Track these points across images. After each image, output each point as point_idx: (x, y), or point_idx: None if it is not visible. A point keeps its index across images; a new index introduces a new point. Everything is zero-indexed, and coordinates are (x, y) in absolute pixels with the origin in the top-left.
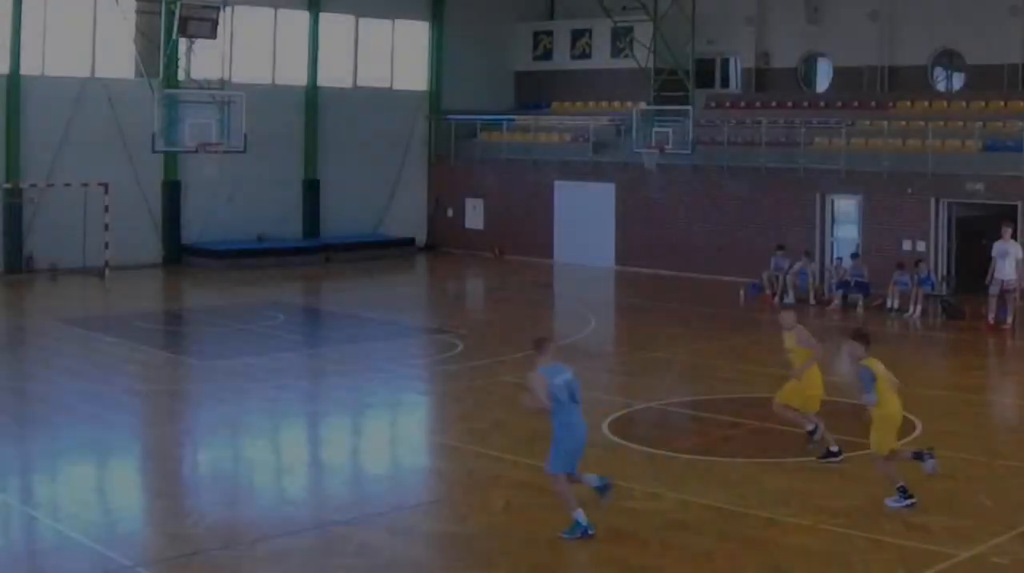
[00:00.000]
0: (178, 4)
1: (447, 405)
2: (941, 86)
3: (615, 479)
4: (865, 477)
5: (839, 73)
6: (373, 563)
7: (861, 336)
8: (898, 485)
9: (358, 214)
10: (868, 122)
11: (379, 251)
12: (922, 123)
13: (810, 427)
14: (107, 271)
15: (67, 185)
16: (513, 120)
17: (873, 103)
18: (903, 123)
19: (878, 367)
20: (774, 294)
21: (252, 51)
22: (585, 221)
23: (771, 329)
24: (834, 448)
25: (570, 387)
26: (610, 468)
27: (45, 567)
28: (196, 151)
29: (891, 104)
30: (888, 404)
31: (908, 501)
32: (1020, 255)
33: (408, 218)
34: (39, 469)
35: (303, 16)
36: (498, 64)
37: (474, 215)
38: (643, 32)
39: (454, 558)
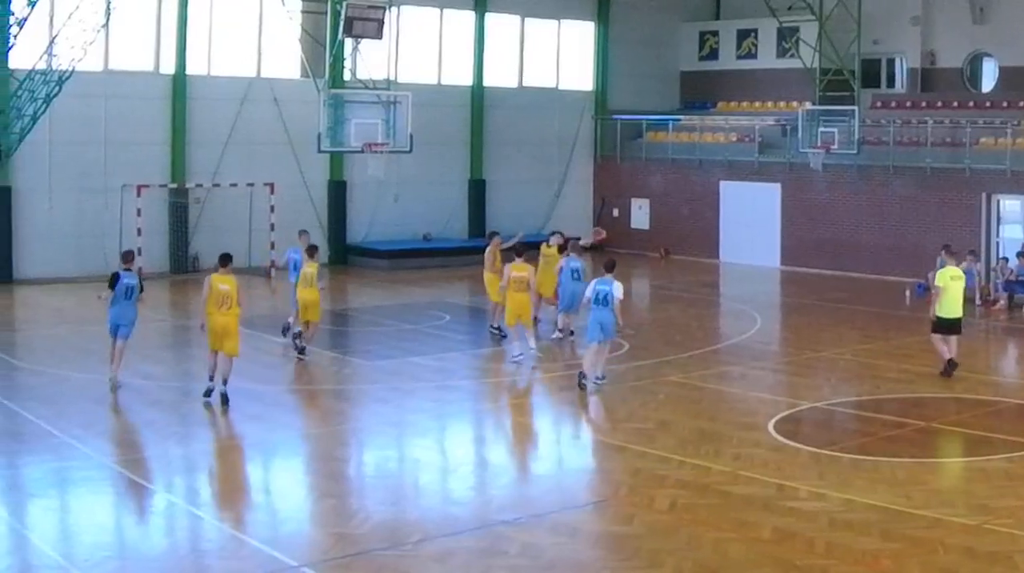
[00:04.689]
0: (344, 4)
1: (613, 405)
2: None
3: (782, 479)
4: None
5: (1005, 73)
6: (537, 563)
7: None
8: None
9: (524, 214)
10: None
11: None
12: None
13: None
14: (273, 271)
15: (233, 185)
16: (679, 120)
17: None
18: None
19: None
20: None
21: (418, 51)
22: (751, 221)
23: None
24: None
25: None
26: (776, 468)
27: (211, 567)
28: (362, 151)
29: None
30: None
31: None
32: None
33: (574, 218)
34: (204, 469)
35: (469, 16)
36: (664, 64)
37: (640, 215)
38: (809, 32)
39: (619, 558)
